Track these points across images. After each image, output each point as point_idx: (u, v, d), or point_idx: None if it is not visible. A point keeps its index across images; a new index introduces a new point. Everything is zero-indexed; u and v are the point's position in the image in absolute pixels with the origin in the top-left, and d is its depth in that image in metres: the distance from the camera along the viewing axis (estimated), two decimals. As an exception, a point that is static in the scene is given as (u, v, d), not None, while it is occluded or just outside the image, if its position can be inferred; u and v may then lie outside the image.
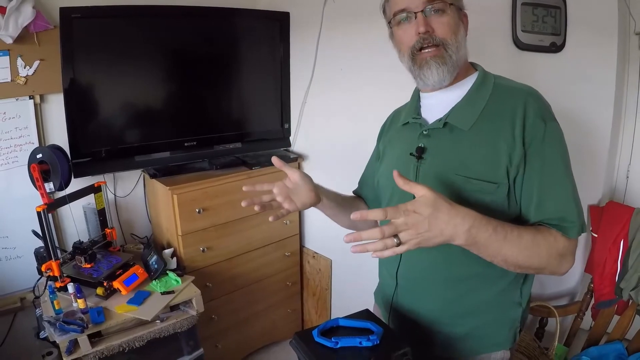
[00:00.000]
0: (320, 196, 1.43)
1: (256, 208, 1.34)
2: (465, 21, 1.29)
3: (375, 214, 1.02)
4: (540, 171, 1.16)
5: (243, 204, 1.33)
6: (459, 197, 1.19)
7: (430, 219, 1.01)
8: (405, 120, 1.40)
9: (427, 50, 1.22)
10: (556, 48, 1.92)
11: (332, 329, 1.27)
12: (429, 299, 1.36)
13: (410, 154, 1.31)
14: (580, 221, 1.16)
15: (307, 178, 1.41)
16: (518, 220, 1.20)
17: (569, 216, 1.14)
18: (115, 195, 2.74)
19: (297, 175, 1.39)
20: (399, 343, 1.22)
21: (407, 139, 1.36)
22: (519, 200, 1.20)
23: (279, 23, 2.92)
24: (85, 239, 2.48)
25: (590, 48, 1.88)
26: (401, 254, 1.23)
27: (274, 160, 1.39)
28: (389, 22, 1.31)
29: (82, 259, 2.23)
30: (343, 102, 2.71)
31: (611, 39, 1.86)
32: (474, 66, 1.33)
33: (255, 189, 1.37)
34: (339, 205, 1.53)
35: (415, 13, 1.20)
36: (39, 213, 2.08)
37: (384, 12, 1.32)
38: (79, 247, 2.26)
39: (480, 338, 1.34)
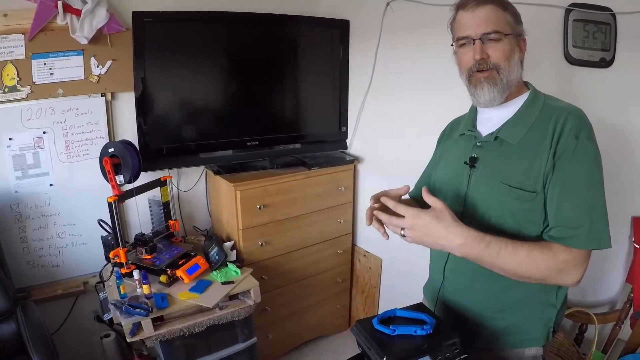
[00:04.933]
0: None
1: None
2: (522, 45, 1.37)
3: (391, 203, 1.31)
4: (562, 181, 1.24)
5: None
6: (501, 202, 1.32)
7: (429, 227, 1.25)
8: (462, 132, 1.52)
9: (481, 73, 1.33)
10: (605, 63, 1.92)
11: (390, 318, 1.34)
12: (472, 293, 1.46)
13: (465, 162, 1.43)
14: (593, 235, 1.21)
15: None
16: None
17: (580, 227, 1.20)
18: (178, 189, 2.86)
19: None
20: (449, 333, 1.29)
21: (462, 149, 1.48)
22: (546, 206, 1.28)
23: (339, 30, 2.99)
24: (146, 229, 2.60)
25: (639, 64, 1.88)
26: None
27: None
28: (453, 43, 1.42)
29: (143, 250, 2.33)
30: (400, 108, 2.74)
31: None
32: (526, 85, 1.42)
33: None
34: None
35: (474, 40, 1.31)
36: (109, 203, 2.20)
37: (451, 30, 1.42)
38: (140, 239, 2.36)
39: (518, 333, 1.42)
